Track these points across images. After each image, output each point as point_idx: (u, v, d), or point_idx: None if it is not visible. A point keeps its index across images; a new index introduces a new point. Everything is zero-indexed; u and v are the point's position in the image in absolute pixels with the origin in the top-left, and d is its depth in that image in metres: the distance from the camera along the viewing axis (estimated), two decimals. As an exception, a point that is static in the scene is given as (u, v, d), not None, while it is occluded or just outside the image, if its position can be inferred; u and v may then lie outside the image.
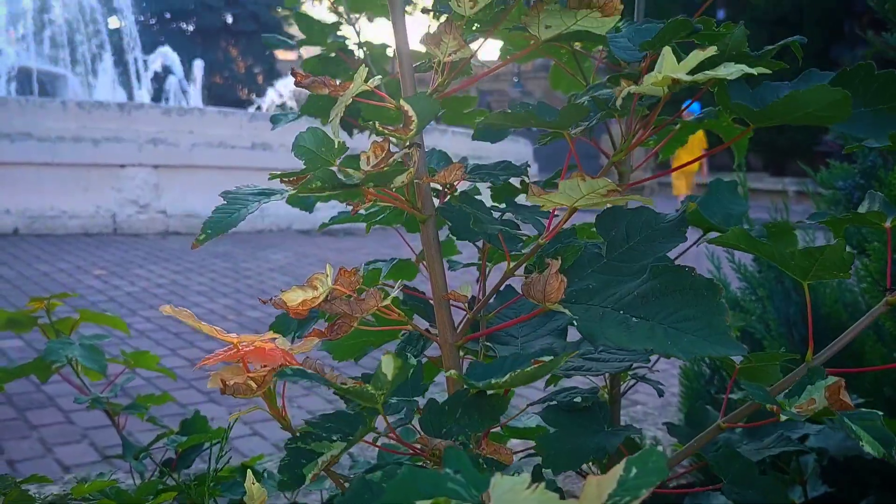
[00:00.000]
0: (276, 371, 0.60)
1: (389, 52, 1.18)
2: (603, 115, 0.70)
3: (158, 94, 11.71)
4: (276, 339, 0.63)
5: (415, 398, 0.67)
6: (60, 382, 1.32)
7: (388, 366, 0.57)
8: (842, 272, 0.65)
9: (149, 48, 12.64)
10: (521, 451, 0.83)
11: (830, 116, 0.58)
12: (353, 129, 1.16)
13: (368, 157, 0.61)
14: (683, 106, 0.79)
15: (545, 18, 0.65)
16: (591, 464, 0.83)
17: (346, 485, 0.67)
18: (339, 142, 0.61)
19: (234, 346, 0.62)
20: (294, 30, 1.30)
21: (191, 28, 22.71)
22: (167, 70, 12.45)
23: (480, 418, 0.60)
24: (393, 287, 0.67)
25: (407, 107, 0.62)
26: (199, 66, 13.36)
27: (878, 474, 1.13)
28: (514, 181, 0.77)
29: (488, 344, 0.71)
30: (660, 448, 0.41)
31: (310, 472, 0.56)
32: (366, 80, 0.62)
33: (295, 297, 0.61)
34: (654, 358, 0.77)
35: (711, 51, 0.54)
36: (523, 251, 0.67)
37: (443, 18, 0.66)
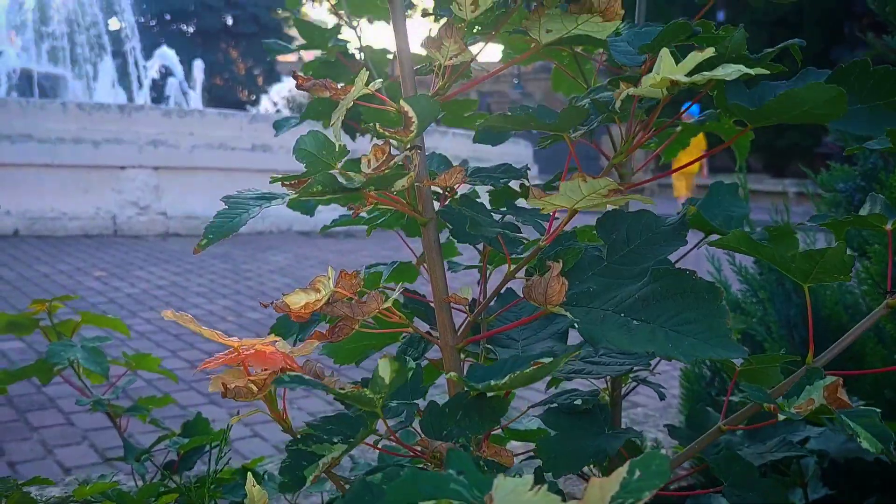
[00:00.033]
0: (275, 376, 0.60)
1: (390, 55, 1.18)
2: (603, 119, 0.70)
3: (159, 96, 11.71)
4: (276, 342, 0.63)
5: (415, 401, 0.67)
6: (61, 384, 1.33)
7: (386, 369, 0.57)
8: (842, 275, 0.65)
9: (149, 50, 12.65)
10: (522, 453, 0.83)
11: (827, 114, 0.58)
12: (356, 133, 1.16)
13: (369, 161, 0.61)
14: (683, 108, 0.79)
15: (546, 22, 0.65)
16: (591, 466, 0.83)
17: (347, 487, 0.67)
18: (340, 145, 0.61)
19: (234, 349, 0.62)
20: (295, 31, 1.30)
21: (191, 29, 22.71)
22: (167, 72, 12.45)
23: (481, 420, 0.60)
24: (394, 290, 0.67)
25: (407, 107, 0.61)
26: (199, 67, 13.38)
27: (878, 477, 1.13)
28: (514, 184, 0.77)
29: (489, 346, 0.71)
30: (661, 450, 0.41)
31: (310, 474, 0.56)
32: (367, 84, 0.62)
33: (297, 300, 0.61)
34: (654, 360, 0.77)
35: (709, 52, 0.54)
36: (524, 254, 0.67)
37: (443, 21, 0.66)
